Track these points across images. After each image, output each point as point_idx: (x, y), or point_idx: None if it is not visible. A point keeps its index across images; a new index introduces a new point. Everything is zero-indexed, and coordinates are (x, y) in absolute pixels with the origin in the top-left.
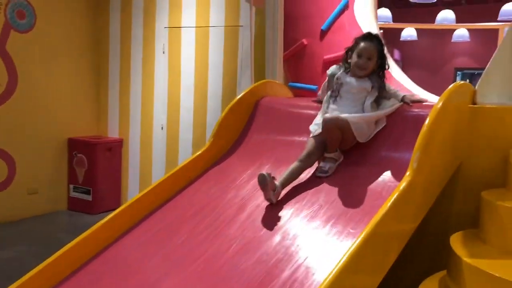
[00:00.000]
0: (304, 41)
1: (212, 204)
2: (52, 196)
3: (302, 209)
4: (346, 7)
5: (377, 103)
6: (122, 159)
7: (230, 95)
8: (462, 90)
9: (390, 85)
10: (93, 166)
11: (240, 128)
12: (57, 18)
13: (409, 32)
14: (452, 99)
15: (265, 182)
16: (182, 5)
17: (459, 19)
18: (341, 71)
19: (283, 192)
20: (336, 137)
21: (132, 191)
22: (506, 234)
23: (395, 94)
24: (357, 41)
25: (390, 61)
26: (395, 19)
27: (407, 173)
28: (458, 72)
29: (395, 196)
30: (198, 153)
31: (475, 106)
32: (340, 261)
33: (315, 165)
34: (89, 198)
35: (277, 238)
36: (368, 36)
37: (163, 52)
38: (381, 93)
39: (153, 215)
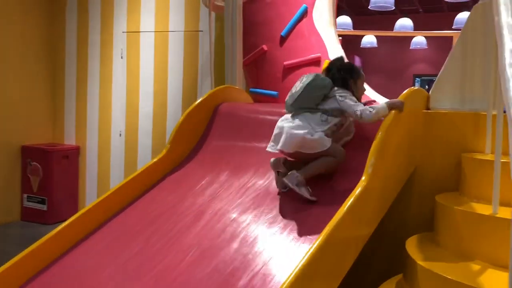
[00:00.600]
0: (264, 47)
1: (169, 212)
2: (4, 206)
3: (260, 216)
4: (304, 13)
5: None
6: (79, 167)
7: (190, 101)
8: (416, 96)
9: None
10: (49, 175)
11: (198, 134)
12: (10, 22)
13: (369, 39)
14: (406, 104)
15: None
16: (140, 10)
17: (417, 27)
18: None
19: (242, 198)
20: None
21: (90, 200)
22: (459, 237)
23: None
24: (357, 69)
25: None
26: (355, 27)
27: (362, 178)
28: (417, 79)
29: (350, 201)
30: (154, 160)
31: (428, 111)
32: (296, 267)
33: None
34: (44, 207)
35: (234, 245)
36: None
37: (121, 57)
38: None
39: (108, 224)
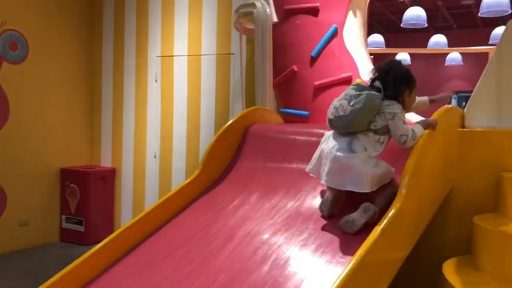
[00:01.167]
0: (294, 67)
1: (200, 234)
2: (44, 228)
3: (291, 237)
4: (335, 33)
5: None
6: (115, 189)
7: (223, 122)
8: (451, 114)
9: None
10: (86, 196)
11: (229, 156)
12: (50, 49)
13: (402, 57)
14: (441, 122)
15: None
16: (174, 34)
17: (451, 43)
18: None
19: (273, 219)
20: None
21: (125, 221)
22: (499, 260)
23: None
24: (414, 78)
25: None
26: (388, 45)
27: (396, 199)
28: (454, 96)
29: (383, 223)
30: (187, 181)
31: (464, 129)
32: None
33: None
34: (81, 229)
35: (265, 268)
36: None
37: (156, 81)
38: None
39: (141, 245)
